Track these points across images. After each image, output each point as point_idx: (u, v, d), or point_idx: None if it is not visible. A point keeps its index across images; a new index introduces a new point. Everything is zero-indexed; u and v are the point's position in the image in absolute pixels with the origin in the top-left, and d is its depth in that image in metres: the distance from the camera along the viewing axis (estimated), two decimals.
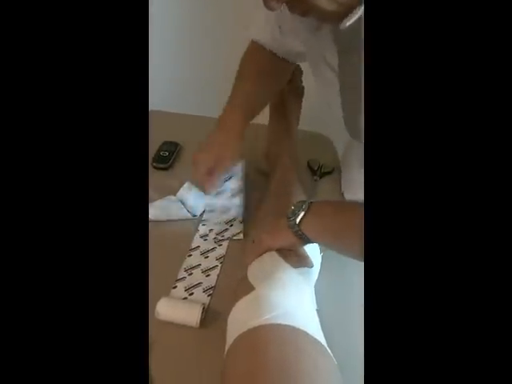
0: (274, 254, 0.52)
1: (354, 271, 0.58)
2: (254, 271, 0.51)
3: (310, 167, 0.85)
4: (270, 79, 0.70)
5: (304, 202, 0.51)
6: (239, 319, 0.45)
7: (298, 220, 0.49)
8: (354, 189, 0.72)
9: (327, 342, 0.43)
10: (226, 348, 0.43)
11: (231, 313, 0.47)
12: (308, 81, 0.78)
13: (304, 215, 0.49)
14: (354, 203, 0.53)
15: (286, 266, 0.50)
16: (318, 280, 0.55)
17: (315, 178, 0.82)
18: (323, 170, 0.83)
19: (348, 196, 0.74)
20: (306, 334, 0.42)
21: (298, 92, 0.78)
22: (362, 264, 0.31)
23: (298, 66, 0.77)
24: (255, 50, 0.68)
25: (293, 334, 0.41)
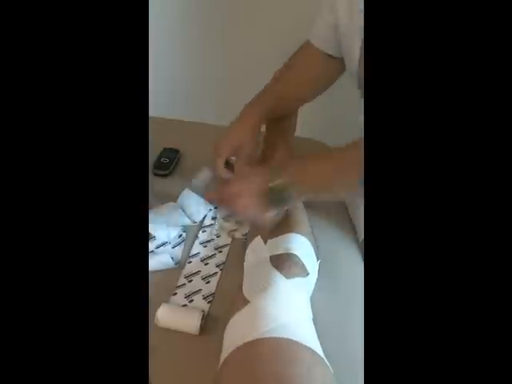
0: (268, 264, 0.52)
1: (353, 278, 0.59)
2: (248, 284, 0.51)
3: None
4: (319, 81, 0.74)
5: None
6: (235, 334, 0.45)
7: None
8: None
9: (325, 351, 0.43)
10: (220, 363, 0.43)
11: (227, 327, 0.47)
12: None
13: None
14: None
15: (280, 276, 0.49)
16: (315, 287, 0.55)
17: None
18: None
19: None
20: (301, 345, 0.42)
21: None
22: (361, 271, 0.31)
23: None
24: (308, 51, 0.71)
25: (288, 346, 0.41)
